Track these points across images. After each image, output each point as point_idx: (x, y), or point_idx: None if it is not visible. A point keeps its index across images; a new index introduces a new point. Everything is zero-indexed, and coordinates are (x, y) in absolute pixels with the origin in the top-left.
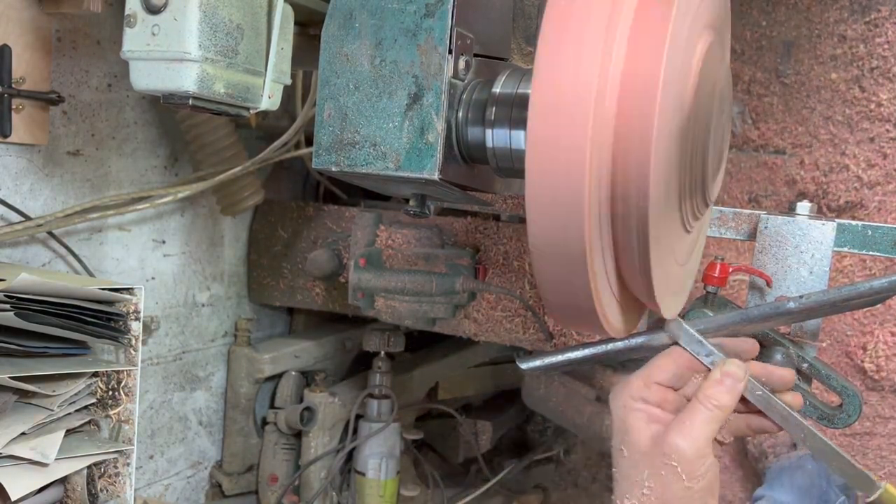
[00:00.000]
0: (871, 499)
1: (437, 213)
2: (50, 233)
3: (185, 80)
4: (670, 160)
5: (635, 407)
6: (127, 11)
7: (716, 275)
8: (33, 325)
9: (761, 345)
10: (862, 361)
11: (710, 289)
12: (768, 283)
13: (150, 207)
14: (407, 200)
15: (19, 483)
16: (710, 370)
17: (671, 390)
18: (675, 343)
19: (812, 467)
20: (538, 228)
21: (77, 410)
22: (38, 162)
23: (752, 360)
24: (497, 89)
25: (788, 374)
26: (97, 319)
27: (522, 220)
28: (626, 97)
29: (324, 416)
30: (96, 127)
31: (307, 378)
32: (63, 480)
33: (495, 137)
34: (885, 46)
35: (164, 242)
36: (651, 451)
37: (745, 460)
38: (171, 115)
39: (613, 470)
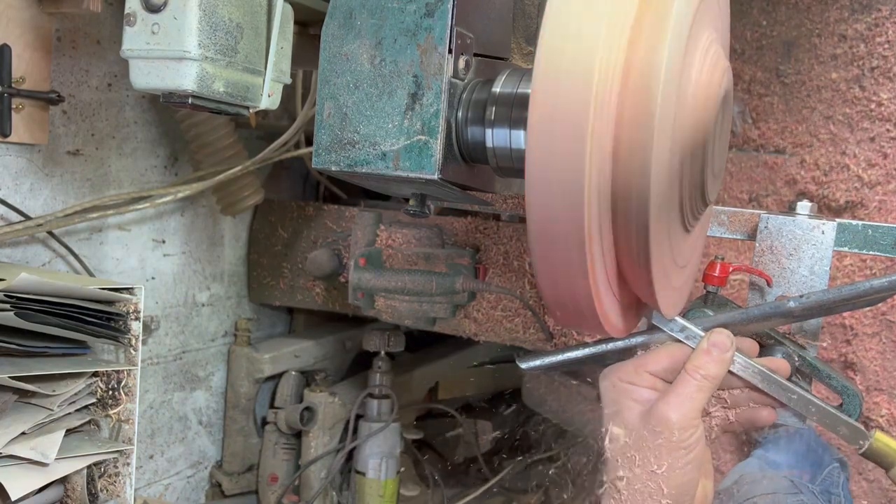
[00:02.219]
0: (864, 449)
1: (437, 212)
2: (50, 232)
3: (185, 78)
4: (671, 160)
5: (625, 388)
6: (127, 10)
7: (716, 274)
8: (33, 325)
9: (761, 345)
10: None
11: (710, 288)
12: (768, 283)
13: (150, 207)
14: (407, 200)
15: (19, 483)
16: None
17: (661, 381)
18: (677, 341)
19: (810, 435)
20: (538, 228)
21: (77, 410)
22: (38, 161)
23: None
24: (497, 89)
25: (751, 345)
26: (97, 319)
27: (522, 220)
28: (626, 98)
29: (324, 415)
30: (96, 126)
31: (307, 378)
32: (63, 480)
33: (495, 137)
34: (886, 46)
35: (164, 242)
36: (641, 426)
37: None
38: (170, 115)
39: (606, 449)
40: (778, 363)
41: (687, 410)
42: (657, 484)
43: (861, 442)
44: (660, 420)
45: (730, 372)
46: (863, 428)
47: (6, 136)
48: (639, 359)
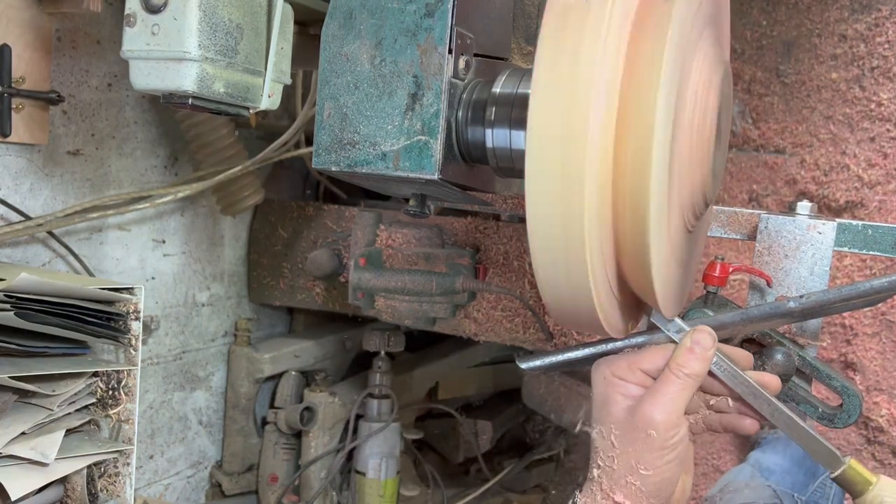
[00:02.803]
0: (836, 474)
1: (437, 212)
2: (50, 232)
3: (185, 79)
4: (671, 159)
5: (615, 382)
6: (127, 11)
7: (716, 274)
8: (33, 325)
9: (760, 345)
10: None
11: (710, 288)
12: (768, 283)
13: (150, 207)
14: (407, 200)
15: (19, 483)
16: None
17: (651, 379)
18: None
19: None
20: (538, 228)
21: (77, 410)
22: (38, 161)
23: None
24: (497, 89)
25: (746, 356)
26: (97, 319)
27: (522, 220)
28: (626, 97)
29: (324, 415)
30: (96, 126)
31: (307, 378)
32: (63, 480)
33: (495, 137)
34: (886, 46)
35: (164, 242)
36: (626, 422)
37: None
38: (170, 115)
39: (591, 439)
40: (768, 379)
41: (671, 410)
42: (637, 479)
43: (835, 467)
44: (644, 419)
45: (718, 379)
46: (838, 454)
47: (6, 136)
48: (633, 355)
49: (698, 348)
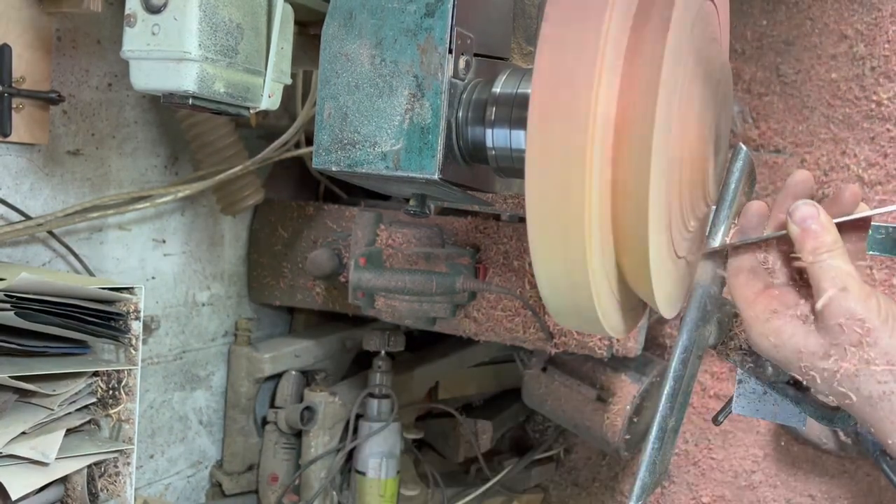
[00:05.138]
0: None
1: (437, 212)
2: (50, 232)
3: (185, 79)
4: (670, 160)
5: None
6: (127, 11)
7: None
8: (34, 325)
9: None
10: None
11: None
12: None
13: (151, 207)
14: (407, 200)
15: (19, 482)
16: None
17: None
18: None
19: None
20: (538, 228)
21: (77, 410)
22: (38, 161)
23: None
24: (497, 89)
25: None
26: (97, 319)
27: (522, 220)
28: (626, 98)
29: (324, 415)
30: (96, 126)
31: (307, 377)
32: (63, 480)
33: (495, 137)
34: (886, 45)
35: (164, 242)
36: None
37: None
38: (171, 115)
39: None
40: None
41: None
42: None
43: None
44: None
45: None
46: None
47: (6, 135)
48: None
49: (811, 222)
